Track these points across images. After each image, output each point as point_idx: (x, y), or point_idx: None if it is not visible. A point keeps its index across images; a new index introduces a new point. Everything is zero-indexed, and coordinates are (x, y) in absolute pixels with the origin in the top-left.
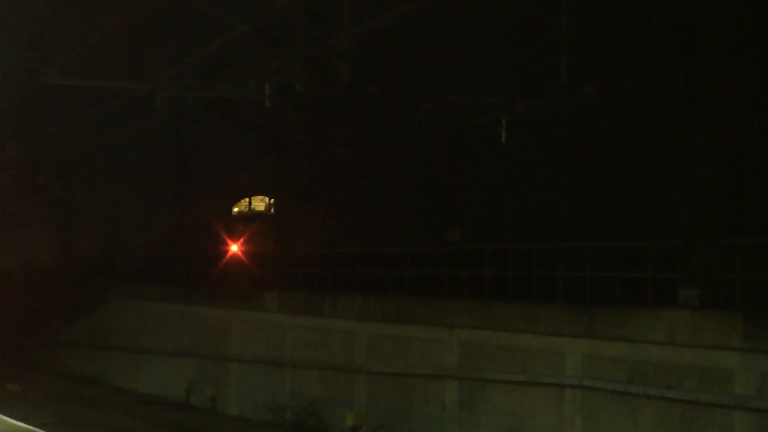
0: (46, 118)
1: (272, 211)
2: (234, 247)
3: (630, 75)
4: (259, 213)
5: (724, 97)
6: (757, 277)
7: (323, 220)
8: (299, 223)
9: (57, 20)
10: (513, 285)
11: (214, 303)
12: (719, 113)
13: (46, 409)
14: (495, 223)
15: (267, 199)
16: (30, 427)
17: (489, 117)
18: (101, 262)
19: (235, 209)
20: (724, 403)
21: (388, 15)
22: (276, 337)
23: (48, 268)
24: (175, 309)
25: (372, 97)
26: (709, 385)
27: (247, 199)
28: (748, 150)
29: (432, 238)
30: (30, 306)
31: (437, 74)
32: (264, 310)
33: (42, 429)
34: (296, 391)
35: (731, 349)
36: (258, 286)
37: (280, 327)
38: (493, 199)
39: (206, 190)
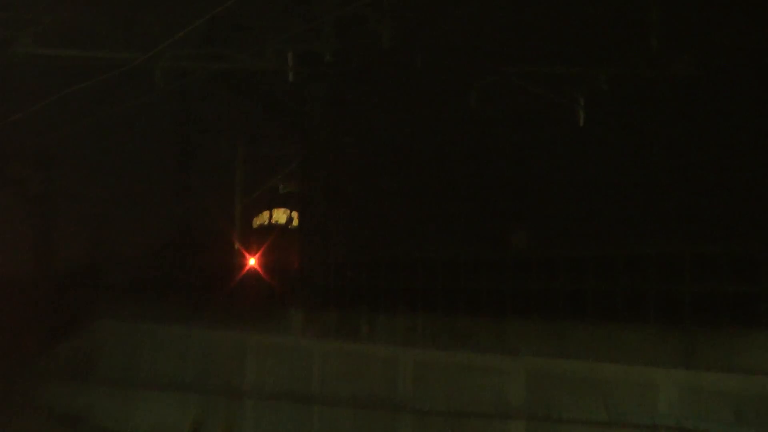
0: (20, 96)
1: (294, 224)
2: (252, 261)
3: (734, 41)
4: (281, 226)
5: None
6: None
7: (358, 220)
8: (329, 225)
9: None
10: (593, 301)
11: (226, 324)
12: None
13: None
14: (570, 223)
15: (288, 212)
16: None
17: (563, 92)
18: (87, 272)
19: (257, 222)
20: None
21: None
22: (301, 367)
23: (22, 278)
24: (177, 332)
25: (418, 68)
26: None
27: (268, 212)
28: None
29: (492, 241)
30: None
31: (498, 39)
32: (286, 333)
33: None
34: None
35: None
36: (279, 304)
37: (307, 353)
38: (568, 193)
39: (218, 187)
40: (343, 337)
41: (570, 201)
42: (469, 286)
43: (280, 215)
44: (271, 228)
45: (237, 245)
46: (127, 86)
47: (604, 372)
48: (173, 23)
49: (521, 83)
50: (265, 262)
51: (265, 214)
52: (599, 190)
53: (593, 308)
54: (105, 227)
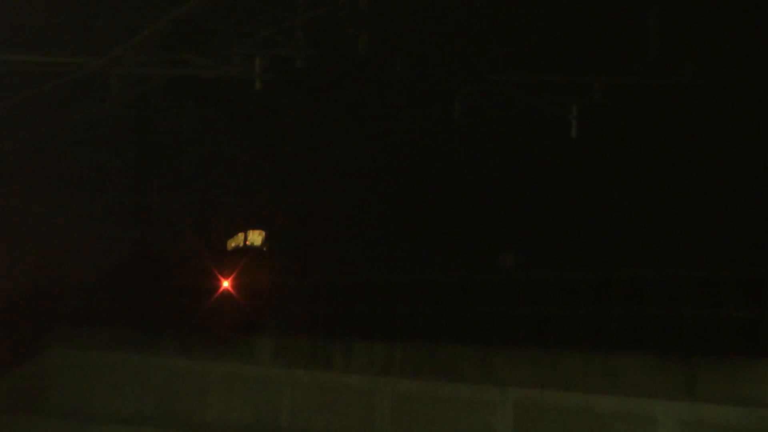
0: None
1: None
2: (221, 285)
3: (741, 46)
4: (255, 248)
5: None
6: None
7: (334, 241)
8: (302, 246)
9: None
10: (587, 327)
11: (189, 352)
12: None
13: None
14: (562, 244)
15: (264, 233)
16: None
17: (555, 102)
18: (35, 297)
19: (232, 244)
20: None
21: None
22: (269, 399)
23: None
24: (135, 361)
25: (398, 75)
26: None
27: (242, 234)
28: None
29: (478, 263)
30: None
31: (485, 45)
32: (254, 362)
33: None
34: None
35: None
36: (246, 330)
37: (275, 385)
38: (560, 211)
39: (182, 205)
40: (315, 366)
41: (562, 220)
42: (453, 311)
43: (255, 237)
44: (244, 250)
45: (202, 268)
46: (82, 94)
47: (599, 404)
48: (132, 26)
49: (510, 93)
50: (233, 286)
51: (240, 235)
52: (594, 208)
53: (587, 335)
54: (58, 247)
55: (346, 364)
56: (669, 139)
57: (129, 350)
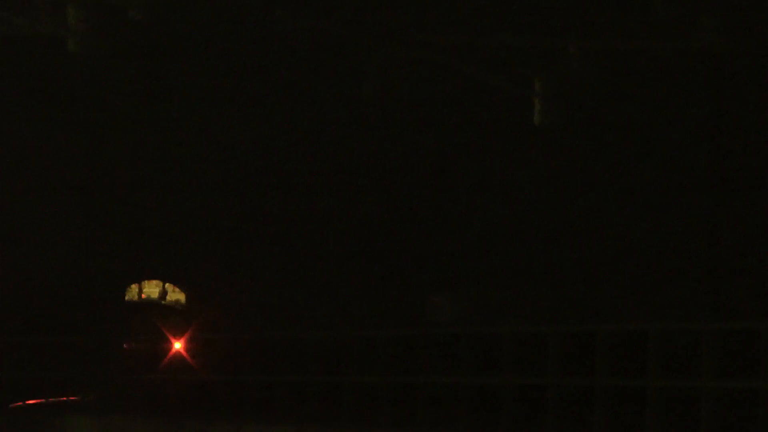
0: None
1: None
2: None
3: None
4: (153, 302)
5: None
6: None
7: (200, 277)
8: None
9: None
10: (558, 402)
11: None
12: None
13: None
14: (524, 279)
15: (162, 284)
16: None
17: (512, 75)
18: None
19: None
20: None
21: None
22: None
23: None
24: None
25: (280, 32)
26: None
27: (136, 285)
28: None
29: (400, 311)
30: None
31: None
32: None
33: None
34: None
35: None
36: (58, 401)
37: None
38: (522, 231)
39: None
40: None
41: (524, 245)
42: (370, 380)
43: (151, 288)
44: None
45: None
46: None
47: None
48: None
49: (447, 61)
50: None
51: (134, 287)
52: (574, 227)
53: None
54: None
55: None
56: (679, 127)
57: None
